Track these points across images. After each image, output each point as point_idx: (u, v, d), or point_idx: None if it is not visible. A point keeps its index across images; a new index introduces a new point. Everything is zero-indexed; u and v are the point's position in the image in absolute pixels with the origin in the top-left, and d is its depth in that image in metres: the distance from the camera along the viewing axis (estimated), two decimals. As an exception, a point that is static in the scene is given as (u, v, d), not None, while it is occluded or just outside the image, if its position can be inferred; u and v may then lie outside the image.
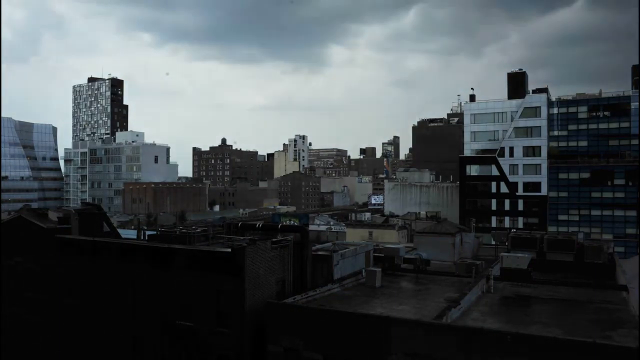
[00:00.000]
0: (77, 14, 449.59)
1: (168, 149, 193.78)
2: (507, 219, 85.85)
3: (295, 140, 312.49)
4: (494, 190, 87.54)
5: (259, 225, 31.26)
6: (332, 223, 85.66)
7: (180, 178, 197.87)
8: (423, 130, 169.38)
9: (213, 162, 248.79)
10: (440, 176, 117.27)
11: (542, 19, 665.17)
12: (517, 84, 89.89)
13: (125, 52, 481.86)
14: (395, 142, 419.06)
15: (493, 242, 46.84)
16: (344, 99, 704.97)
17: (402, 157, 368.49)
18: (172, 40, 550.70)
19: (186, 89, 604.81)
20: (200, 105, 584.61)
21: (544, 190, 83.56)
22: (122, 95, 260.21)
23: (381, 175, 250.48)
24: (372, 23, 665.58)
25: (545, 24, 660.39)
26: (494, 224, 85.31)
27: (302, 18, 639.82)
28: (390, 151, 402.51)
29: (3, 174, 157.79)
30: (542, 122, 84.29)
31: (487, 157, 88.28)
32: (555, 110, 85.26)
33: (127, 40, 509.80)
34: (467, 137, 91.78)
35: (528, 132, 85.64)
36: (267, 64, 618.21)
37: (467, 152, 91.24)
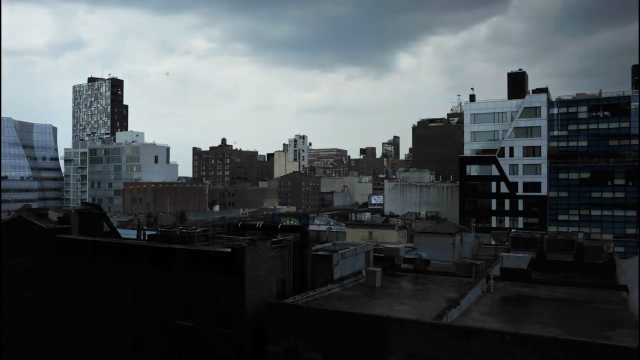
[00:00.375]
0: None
1: (168, 149, 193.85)
2: (507, 219, 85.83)
3: (295, 140, 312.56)
4: (494, 190, 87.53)
5: (259, 225, 31.27)
6: (332, 223, 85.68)
7: (180, 178, 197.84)
8: (423, 130, 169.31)
9: (213, 162, 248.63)
10: (440, 176, 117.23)
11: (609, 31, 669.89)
12: (517, 84, 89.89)
13: (215, 60, 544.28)
14: (395, 142, 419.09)
15: (493, 242, 46.82)
16: (394, 103, 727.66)
17: (402, 157, 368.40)
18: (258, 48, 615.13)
19: (242, 91, 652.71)
20: (251, 107, 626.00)
21: (544, 190, 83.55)
22: (122, 95, 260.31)
23: (381, 175, 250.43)
24: (446, 34, 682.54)
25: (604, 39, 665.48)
26: (494, 224, 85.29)
27: (380, 28, 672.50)
28: (390, 151, 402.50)
29: (3, 174, 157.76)
30: (542, 122, 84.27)
31: (487, 157, 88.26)
32: (555, 110, 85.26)
33: (223, 48, 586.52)
34: (467, 137, 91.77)
35: (528, 132, 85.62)
36: (339, 70, 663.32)
37: (467, 152, 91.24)
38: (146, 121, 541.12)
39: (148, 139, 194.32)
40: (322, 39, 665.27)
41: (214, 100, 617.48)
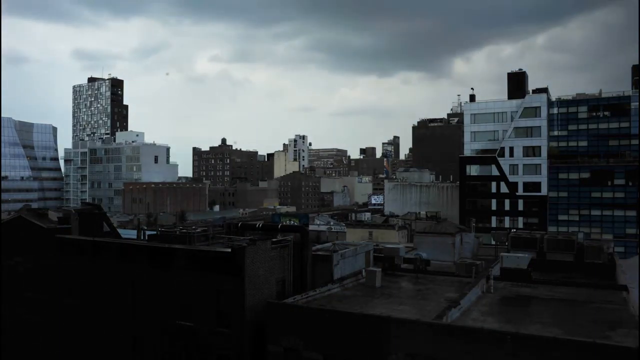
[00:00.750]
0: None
1: (168, 149, 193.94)
2: (507, 219, 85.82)
3: (295, 140, 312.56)
4: (494, 190, 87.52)
5: (259, 225, 31.26)
6: (332, 223, 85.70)
7: (180, 178, 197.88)
8: (423, 130, 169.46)
9: (213, 162, 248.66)
10: (440, 176, 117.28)
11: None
12: (517, 84, 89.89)
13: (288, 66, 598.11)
14: (395, 142, 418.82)
15: (493, 242, 46.78)
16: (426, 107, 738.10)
17: (402, 157, 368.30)
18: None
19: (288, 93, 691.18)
20: (292, 108, 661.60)
21: (544, 190, 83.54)
22: (122, 95, 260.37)
23: (381, 175, 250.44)
24: (504, 44, 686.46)
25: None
26: (494, 224, 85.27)
27: (441, 36, 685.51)
28: (390, 151, 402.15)
29: (3, 174, 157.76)
30: (542, 122, 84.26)
31: (487, 157, 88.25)
32: (555, 110, 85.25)
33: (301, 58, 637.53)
34: (467, 137, 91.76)
35: (528, 132, 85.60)
36: (396, 74, 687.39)
37: (467, 152, 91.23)
38: (202, 121, 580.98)
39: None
40: (388, 48, 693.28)
41: (261, 101, 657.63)
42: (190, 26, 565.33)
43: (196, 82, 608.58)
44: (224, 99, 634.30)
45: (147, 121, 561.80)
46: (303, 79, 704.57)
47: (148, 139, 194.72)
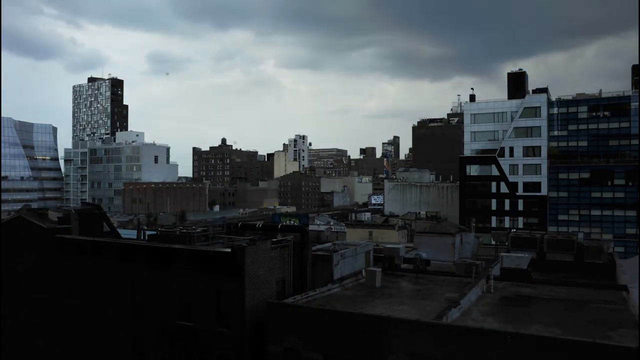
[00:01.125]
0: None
1: (168, 149, 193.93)
2: (507, 219, 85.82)
3: (295, 140, 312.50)
4: (494, 190, 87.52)
5: (259, 225, 31.25)
6: (332, 223, 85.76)
7: (180, 178, 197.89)
8: (423, 130, 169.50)
9: (213, 162, 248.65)
10: (440, 176, 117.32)
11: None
12: (517, 84, 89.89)
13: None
14: (395, 142, 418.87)
15: (493, 242, 46.78)
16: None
17: (402, 157, 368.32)
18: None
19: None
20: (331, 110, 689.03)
21: (544, 190, 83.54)
22: (122, 95, 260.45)
23: (381, 175, 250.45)
24: (555, 54, 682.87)
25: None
26: (494, 224, 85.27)
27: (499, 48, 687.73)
28: (390, 151, 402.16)
29: (3, 174, 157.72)
30: (542, 122, 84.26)
31: (487, 157, 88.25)
32: (555, 110, 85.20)
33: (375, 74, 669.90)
34: (467, 137, 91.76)
35: (528, 132, 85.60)
36: (450, 79, 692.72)
37: (467, 152, 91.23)
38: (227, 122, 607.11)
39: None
40: (446, 55, 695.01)
41: (302, 102, 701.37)
42: (272, 36, 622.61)
43: (258, 85, 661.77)
44: (269, 100, 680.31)
45: (225, 120, 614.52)
46: (359, 84, 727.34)
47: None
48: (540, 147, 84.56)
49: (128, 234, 48.18)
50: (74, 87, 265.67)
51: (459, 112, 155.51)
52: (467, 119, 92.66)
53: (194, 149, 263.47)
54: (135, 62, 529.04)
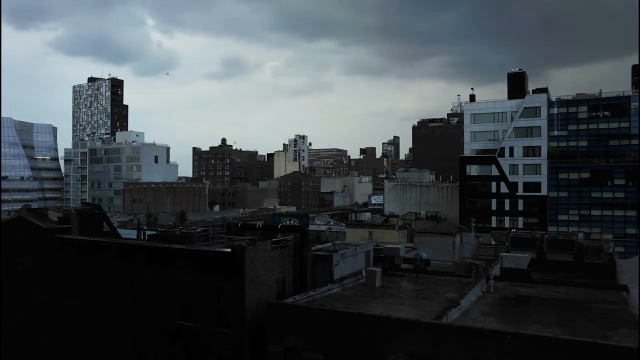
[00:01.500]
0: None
1: (168, 149, 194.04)
2: (507, 219, 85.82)
3: (295, 140, 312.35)
4: (494, 190, 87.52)
5: (259, 225, 31.25)
6: (332, 223, 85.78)
7: (180, 178, 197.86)
8: (423, 130, 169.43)
9: (213, 162, 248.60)
10: (440, 176, 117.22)
11: None
12: (517, 83, 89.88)
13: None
14: (395, 142, 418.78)
15: (493, 242, 46.78)
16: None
17: (402, 157, 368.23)
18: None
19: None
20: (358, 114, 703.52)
21: (544, 190, 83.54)
22: (122, 95, 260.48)
23: (381, 175, 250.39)
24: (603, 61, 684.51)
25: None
26: (494, 224, 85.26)
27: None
28: (390, 151, 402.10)
29: (3, 174, 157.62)
30: (542, 122, 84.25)
31: (487, 157, 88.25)
32: (555, 110, 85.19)
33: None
34: (467, 137, 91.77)
35: (528, 132, 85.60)
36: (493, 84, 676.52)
37: (467, 152, 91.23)
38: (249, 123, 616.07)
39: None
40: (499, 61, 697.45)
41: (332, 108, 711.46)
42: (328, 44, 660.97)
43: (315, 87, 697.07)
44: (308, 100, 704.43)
45: (255, 119, 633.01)
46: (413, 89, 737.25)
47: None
48: (540, 147, 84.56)
49: (128, 234, 48.19)
50: (74, 87, 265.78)
51: (459, 112, 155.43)
52: (467, 119, 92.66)
53: (194, 149, 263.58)
54: (204, 63, 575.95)
